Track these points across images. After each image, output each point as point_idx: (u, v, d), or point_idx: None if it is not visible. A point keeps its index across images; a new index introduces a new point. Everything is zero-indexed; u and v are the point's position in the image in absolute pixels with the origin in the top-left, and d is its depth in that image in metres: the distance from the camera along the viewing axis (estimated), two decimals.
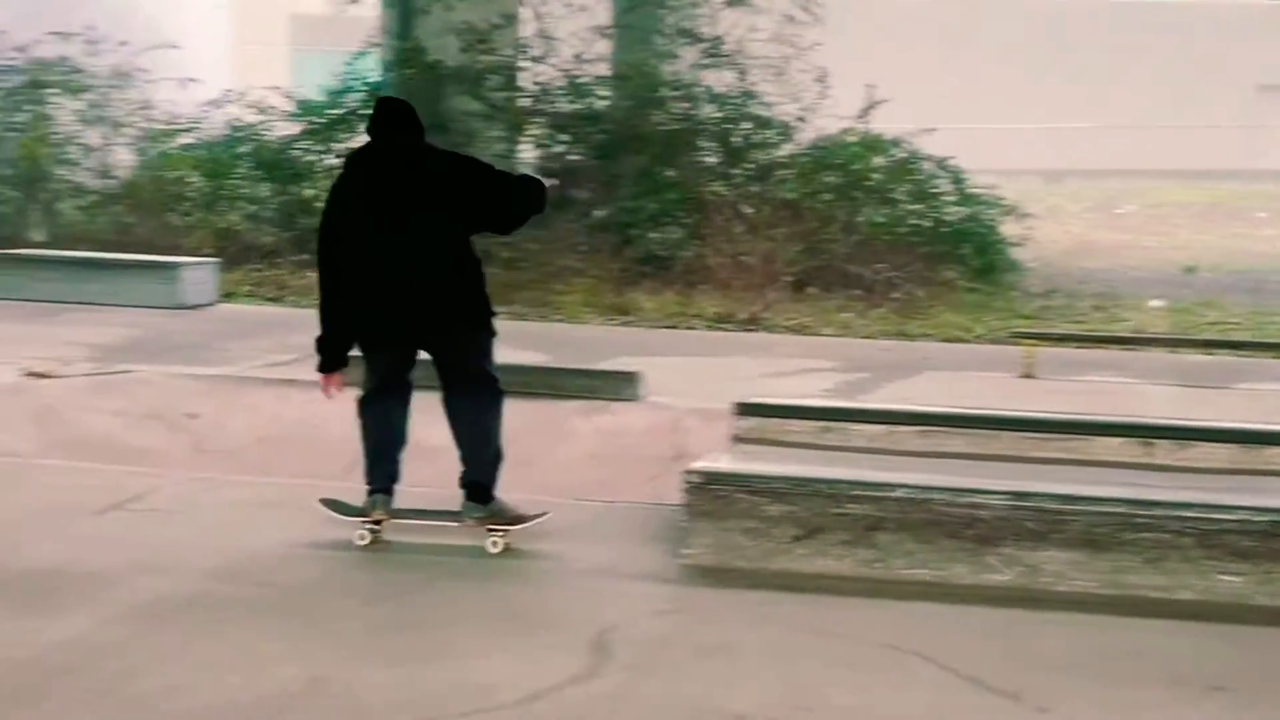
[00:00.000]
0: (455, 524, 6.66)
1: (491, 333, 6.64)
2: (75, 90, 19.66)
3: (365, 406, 6.68)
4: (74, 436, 9.05)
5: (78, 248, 16.50)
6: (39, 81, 19.48)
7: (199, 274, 14.64)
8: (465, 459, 6.65)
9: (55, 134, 19.57)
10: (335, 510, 6.77)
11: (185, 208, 18.45)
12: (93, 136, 19.77)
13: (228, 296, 14.98)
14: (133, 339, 11.43)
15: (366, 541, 6.64)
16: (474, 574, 6.29)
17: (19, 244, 17.33)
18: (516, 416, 9.20)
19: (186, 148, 19.48)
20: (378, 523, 6.67)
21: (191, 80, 19.22)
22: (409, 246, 6.41)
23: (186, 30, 22.55)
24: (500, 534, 6.61)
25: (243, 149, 18.80)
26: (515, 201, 6.61)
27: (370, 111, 6.71)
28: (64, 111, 19.72)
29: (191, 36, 22.71)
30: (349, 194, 6.58)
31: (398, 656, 5.26)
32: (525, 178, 6.83)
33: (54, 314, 12.84)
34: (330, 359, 6.62)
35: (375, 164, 6.56)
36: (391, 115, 6.60)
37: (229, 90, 19.37)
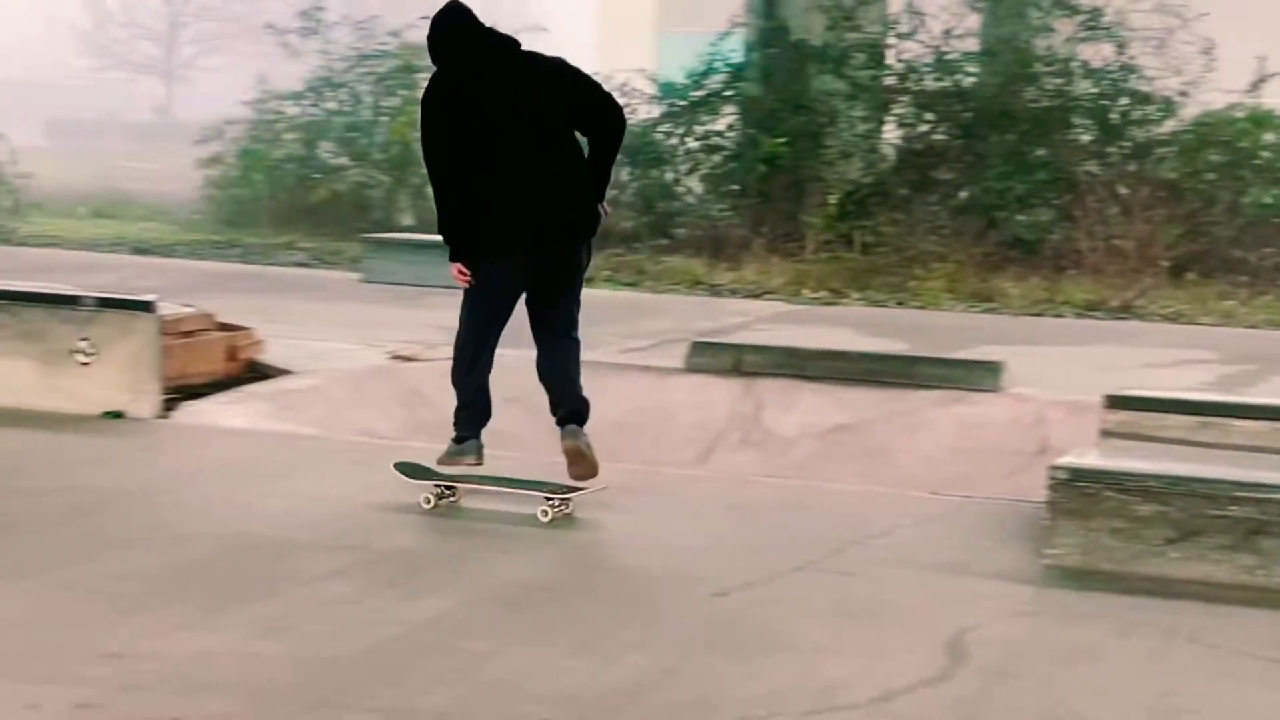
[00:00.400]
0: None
1: (591, 250, 6.71)
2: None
3: (462, 366, 6.74)
4: (436, 420, 9.18)
5: None
6: (410, 65, 19.81)
7: None
8: (556, 397, 6.65)
9: None
10: (408, 474, 6.81)
11: None
12: None
13: (586, 281, 15.08)
14: None
15: (430, 505, 6.68)
16: (824, 569, 6.14)
17: (389, 227, 17.92)
18: (872, 405, 9.08)
19: None
20: (451, 489, 6.70)
21: None
22: (527, 144, 6.42)
23: (554, 13, 23.04)
24: (555, 503, 6.55)
25: None
26: (604, 102, 6.66)
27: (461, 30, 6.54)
28: None
29: (558, 19, 23.18)
30: (454, 98, 6.49)
31: (744, 649, 5.16)
32: (606, 92, 6.80)
33: (419, 297, 13.15)
34: (461, 246, 6.58)
35: (476, 66, 6.49)
36: (468, 18, 6.53)
37: (595, 73, 19.57)
